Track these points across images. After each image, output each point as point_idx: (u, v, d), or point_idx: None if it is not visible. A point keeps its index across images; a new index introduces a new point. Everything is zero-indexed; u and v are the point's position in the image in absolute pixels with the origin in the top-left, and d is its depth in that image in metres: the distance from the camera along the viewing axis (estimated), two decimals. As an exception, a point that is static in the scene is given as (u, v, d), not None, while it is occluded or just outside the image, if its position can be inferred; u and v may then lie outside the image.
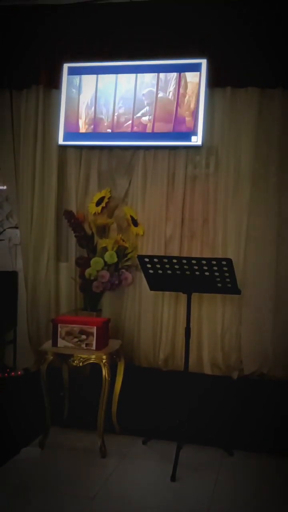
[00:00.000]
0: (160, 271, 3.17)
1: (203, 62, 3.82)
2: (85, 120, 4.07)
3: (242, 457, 3.26)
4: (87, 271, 3.94)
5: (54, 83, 4.15)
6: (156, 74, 3.93)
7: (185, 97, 3.87)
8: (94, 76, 4.05)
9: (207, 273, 3.08)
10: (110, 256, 3.91)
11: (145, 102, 3.95)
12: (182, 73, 3.87)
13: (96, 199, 4.07)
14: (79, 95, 4.08)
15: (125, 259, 4.02)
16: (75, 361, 3.24)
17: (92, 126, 4.06)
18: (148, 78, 3.95)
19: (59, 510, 2.63)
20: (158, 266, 3.15)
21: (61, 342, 3.32)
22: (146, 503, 2.73)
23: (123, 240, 4.00)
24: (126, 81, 3.99)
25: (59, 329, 3.32)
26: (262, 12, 3.74)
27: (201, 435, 3.36)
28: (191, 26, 3.86)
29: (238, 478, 3.02)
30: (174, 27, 3.88)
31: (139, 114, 3.96)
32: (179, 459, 3.04)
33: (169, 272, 3.15)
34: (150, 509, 2.68)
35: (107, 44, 4.02)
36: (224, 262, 3.01)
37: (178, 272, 3.12)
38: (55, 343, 3.33)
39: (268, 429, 3.42)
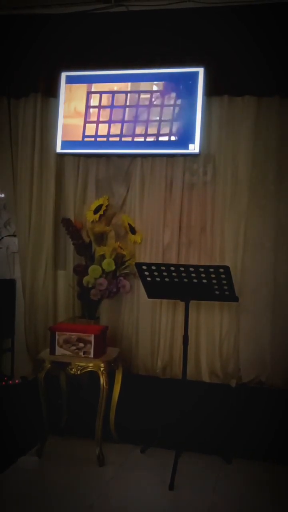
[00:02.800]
0: (158, 279, 3.18)
1: (200, 70, 3.84)
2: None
3: (240, 465, 3.25)
4: (85, 279, 3.94)
5: (52, 91, 4.17)
6: (153, 82, 3.95)
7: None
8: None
9: (204, 281, 3.08)
10: (108, 264, 3.91)
11: (141, 110, 3.97)
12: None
13: (94, 207, 4.08)
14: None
15: (123, 266, 4.02)
16: (73, 369, 3.23)
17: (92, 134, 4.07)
18: (145, 87, 3.97)
19: (56, 520, 2.62)
20: (156, 273, 3.15)
21: (59, 350, 3.31)
22: (144, 512, 2.72)
23: (121, 248, 4.00)
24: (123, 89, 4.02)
25: (57, 337, 3.32)
26: (259, 21, 3.77)
27: (199, 443, 3.35)
28: (188, 35, 3.88)
29: (237, 486, 3.00)
30: (171, 36, 3.91)
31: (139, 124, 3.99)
32: (177, 467, 3.03)
33: (166, 279, 3.15)
34: (148, 518, 2.67)
35: (104, 53, 4.05)
36: (221, 270, 3.02)
37: (176, 279, 3.13)
38: (52, 351, 3.32)
39: (267, 437, 3.41)
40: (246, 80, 3.80)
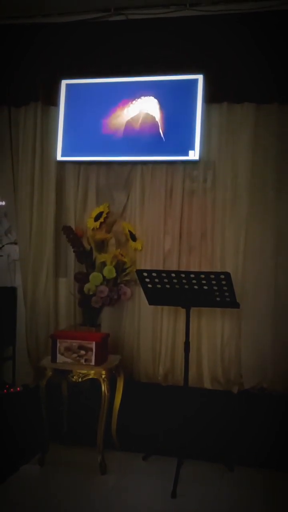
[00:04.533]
0: (158, 286, 3.18)
1: (200, 78, 3.87)
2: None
3: (242, 472, 3.23)
4: (86, 286, 3.94)
5: (52, 100, 4.19)
6: (154, 91, 3.98)
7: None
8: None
9: (205, 287, 3.08)
10: (109, 271, 3.91)
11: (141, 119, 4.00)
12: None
13: (94, 214, 4.09)
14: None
15: (124, 273, 4.02)
16: (74, 377, 3.22)
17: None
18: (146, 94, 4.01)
19: (58, 528, 2.61)
20: (157, 280, 3.15)
21: (60, 358, 3.31)
22: (146, 520, 2.71)
23: (122, 255, 4.01)
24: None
25: (58, 344, 3.31)
26: (257, 28, 3.80)
27: (201, 451, 3.34)
28: (187, 43, 3.91)
29: (239, 494, 2.98)
30: (170, 43, 3.94)
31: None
32: (179, 475, 3.02)
33: (167, 286, 3.15)
34: (151, 527, 2.66)
35: (104, 61, 4.08)
36: (222, 276, 3.01)
37: (176, 286, 3.13)
38: (54, 359, 3.31)
39: (270, 444, 3.39)
40: (245, 87, 3.83)
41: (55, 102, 4.18)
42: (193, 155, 3.88)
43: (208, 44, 3.88)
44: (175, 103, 3.94)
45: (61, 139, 4.15)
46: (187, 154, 3.91)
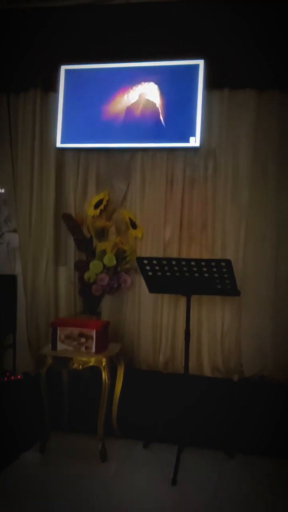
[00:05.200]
0: (159, 273, 3.16)
1: (201, 63, 3.82)
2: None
3: (243, 460, 3.24)
4: (86, 275, 3.92)
5: (51, 86, 4.15)
6: (154, 76, 3.93)
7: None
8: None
9: (206, 275, 3.06)
10: (109, 259, 3.90)
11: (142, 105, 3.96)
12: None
13: (94, 202, 4.06)
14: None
15: (124, 262, 4.01)
16: (75, 365, 3.22)
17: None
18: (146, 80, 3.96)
19: (59, 515, 2.61)
20: (157, 268, 3.14)
21: (60, 346, 3.30)
22: (147, 507, 2.71)
23: (122, 243, 3.99)
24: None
25: (58, 332, 3.30)
26: (260, 13, 3.75)
27: (202, 438, 3.34)
28: (188, 28, 3.86)
29: (239, 481, 2.99)
30: (171, 28, 3.88)
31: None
32: (180, 462, 3.02)
33: (168, 274, 3.14)
34: (151, 513, 2.67)
35: (104, 47, 4.02)
36: (223, 263, 3.00)
37: (177, 274, 3.11)
38: (54, 347, 3.31)
39: (269, 432, 3.40)
40: (247, 73, 3.78)
41: (54, 88, 4.13)
42: (194, 141, 3.85)
43: (209, 29, 3.82)
44: (176, 89, 3.89)
45: (60, 126, 4.11)
46: (188, 141, 3.87)
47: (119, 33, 3.97)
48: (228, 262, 2.99)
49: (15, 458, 3.19)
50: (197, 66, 3.83)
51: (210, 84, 3.86)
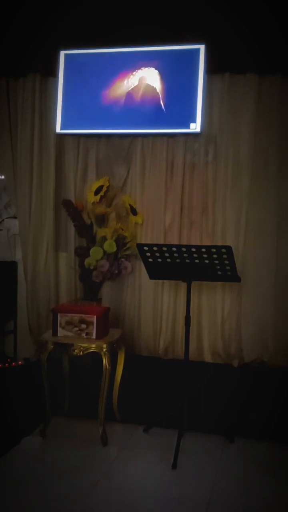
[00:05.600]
0: (159, 260, 3.16)
1: (201, 47, 3.78)
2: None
3: (242, 444, 3.27)
4: (87, 261, 3.92)
5: (51, 70, 4.11)
6: (155, 61, 3.90)
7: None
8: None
9: (206, 261, 3.07)
10: (109, 245, 3.89)
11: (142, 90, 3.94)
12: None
13: (94, 188, 4.05)
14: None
15: (125, 248, 4.00)
16: (76, 351, 3.23)
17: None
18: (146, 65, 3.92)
19: (60, 499, 2.64)
20: (158, 254, 3.14)
21: (61, 332, 3.32)
22: (147, 491, 2.74)
23: (122, 229, 3.98)
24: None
25: (59, 318, 3.32)
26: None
27: (202, 423, 3.37)
28: (189, 12, 3.80)
29: (239, 465, 3.03)
30: (171, 13, 3.83)
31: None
32: (180, 446, 3.05)
33: (168, 260, 3.14)
34: (152, 497, 2.69)
35: (104, 31, 3.97)
36: (223, 250, 3.00)
37: (177, 260, 3.11)
38: (55, 333, 3.32)
39: (268, 416, 3.43)
40: (248, 57, 3.74)
41: (54, 73, 4.09)
42: (195, 127, 3.82)
43: (210, 12, 3.77)
44: (177, 74, 3.86)
45: (60, 111, 4.08)
46: (188, 127, 3.84)
47: (119, 17, 3.91)
48: (228, 248, 2.99)
49: (16, 443, 3.22)
50: (197, 50, 3.79)
51: (211, 69, 3.82)
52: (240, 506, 2.63)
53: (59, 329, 3.32)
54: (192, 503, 2.64)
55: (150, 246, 3.15)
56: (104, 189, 4.05)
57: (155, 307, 4.06)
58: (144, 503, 2.63)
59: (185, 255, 3.07)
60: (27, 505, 2.58)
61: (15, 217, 4.38)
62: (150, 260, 3.19)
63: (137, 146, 4.05)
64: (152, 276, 3.35)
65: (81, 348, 3.23)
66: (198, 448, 3.20)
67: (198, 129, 3.82)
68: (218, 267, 3.10)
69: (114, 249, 3.91)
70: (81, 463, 3.01)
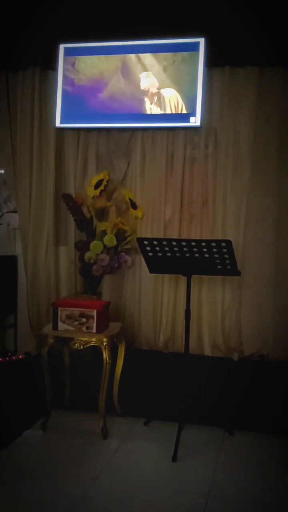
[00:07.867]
0: (159, 254, 3.17)
1: (201, 41, 3.76)
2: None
3: (242, 437, 3.29)
4: (87, 255, 3.93)
5: (51, 64, 4.10)
6: (153, 54, 3.88)
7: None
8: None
9: (206, 255, 3.07)
10: (110, 240, 3.90)
11: (142, 84, 3.92)
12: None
13: (94, 182, 4.05)
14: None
15: (125, 242, 4.01)
16: (76, 344, 3.25)
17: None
18: (144, 58, 3.90)
19: (61, 492, 2.66)
20: (158, 248, 3.14)
21: (61, 326, 3.33)
22: (147, 484, 2.76)
23: (122, 223, 3.98)
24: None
25: (59, 312, 3.33)
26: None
27: (202, 416, 3.38)
28: (188, 5, 3.78)
29: (239, 458, 3.04)
30: (171, 5, 3.81)
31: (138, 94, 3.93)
32: (180, 439, 3.07)
33: (168, 254, 3.14)
34: (152, 489, 2.71)
35: (103, 24, 3.96)
36: (223, 244, 3.00)
37: (177, 254, 3.12)
38: (55, 327, 3.33)
39: (268, 409, 3.44)
40: (248, 50, 3.73)
41: (54, 67, 4.08)
42: (194, 121, 3.81)
43: (210, 6, 3.75)
44: (176, 68, 3.83)
45: (60, 105, 4.07)
46: (188, 121, 3.84)
47: (118, 11, 3.90)
48: (228, 242, 2.99)
49: (18, 436, 3.24)
50: (197, 43, 3.77)
51: (210, 62, 3.81)
52: (240, 499, 2.65)
53: (59, 323, 3.33)
54: (192, 495, 2.66)
55: (150, 240, 3.15)
56: (104, 183, 4.04)
57: (155, 301, 4.06)
58: (145, 495, 2.65)
59: (185, 249, 3.08)
60: (28, 497, 2.60)
61: (15, 211, 4.38)
62: (150, 254, 3.20)
63: (137, 140, 4.04)
64: (152, 270, 3.36)
65: (82, 342, 3.24)
66: (198, 441, 3.22)
67: (198, 123, 3.81)
68: (218, 261, 3.10)
69: (114, 243, 3.91)
70: (82, 456, 3.03)
